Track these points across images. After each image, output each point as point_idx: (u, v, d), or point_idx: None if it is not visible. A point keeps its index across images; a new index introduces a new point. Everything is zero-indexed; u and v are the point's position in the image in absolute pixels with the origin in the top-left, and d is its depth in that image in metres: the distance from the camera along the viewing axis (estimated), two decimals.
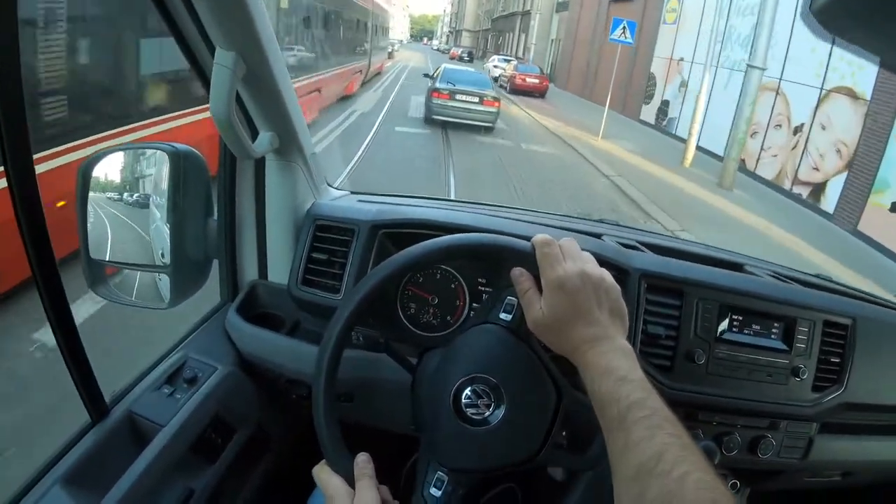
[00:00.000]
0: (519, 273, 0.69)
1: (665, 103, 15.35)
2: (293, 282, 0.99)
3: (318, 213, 1.01)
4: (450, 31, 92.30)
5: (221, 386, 0.93)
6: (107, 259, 0.94)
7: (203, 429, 0.88)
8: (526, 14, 38.15)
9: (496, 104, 11.30)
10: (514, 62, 25.63)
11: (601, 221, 1.39)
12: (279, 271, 1.04)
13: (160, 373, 0.92)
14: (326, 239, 0.99)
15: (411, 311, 0.97)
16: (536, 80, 21.94)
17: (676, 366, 0.94)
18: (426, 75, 14.11)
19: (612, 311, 0.66)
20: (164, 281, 0.96)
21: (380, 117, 11.60)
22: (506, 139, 11.40)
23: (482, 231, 0.76)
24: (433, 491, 0.69)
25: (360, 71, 15.80)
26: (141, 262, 0.98)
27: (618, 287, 0.68)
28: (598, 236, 1.12)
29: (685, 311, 0.95)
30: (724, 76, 12.06)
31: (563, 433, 0.72)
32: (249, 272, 1.07)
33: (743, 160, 10.29)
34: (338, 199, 1.16)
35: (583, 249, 0.71)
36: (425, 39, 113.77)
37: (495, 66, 28.22)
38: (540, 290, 0.67)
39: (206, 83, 0.81)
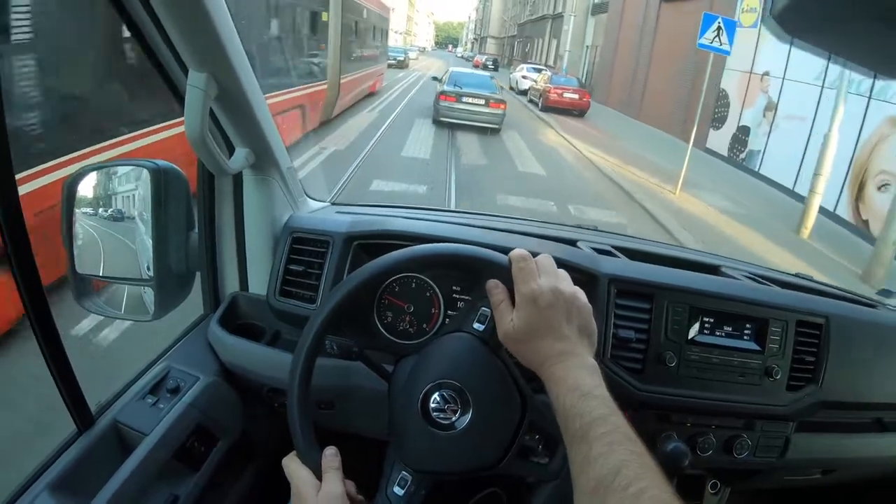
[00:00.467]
0: (494, 285, 0.72)
1: (743, 131, 11.50)
2: (271, 293, 1.01)
3: (295, 225, 1.04)
4: (475, 38, 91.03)
5: (203, 395, 0.95)
6: (92, 273, 0.97)
7: (186, 437, 0.90)
8: (557, 17, 33.72)
9: (502, 106, 11.51)
10: (547, 72, 20.47)
11: (578, 227, 1.41)
12: (259, 283, 1.06)
13: (144, 383, 0.94)
14: (303, 251, 1.02)
15: (388, 319, 0.99)
16: (576, 96, 17.50)
17: (648, 368, 0.96)
18: (434, 78, 14.85)
19: (581, 328, 0.68)
20: (149, 294, 0.98)
21: (355, 163, 7.76)
22: (547, 194, 7.52)
23: (458, 242, 0.78)
24: (396, 490, 0.71)
25: (314, 103, 9.17)
26: (125, 275, 1.00)
27: (589, 306, 0.70)
28: (574, 242, 1.14)
29: (655, 315, 0.97)
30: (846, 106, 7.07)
31: (532, 438, 0.74)
32: (230, 284, 1.09)
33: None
34: (316, 211, 1.18)
35: (555, 256, 0.74)
36: (450, 47, 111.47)
37: (524, 77, 23.56)
38: (513, 303, 0.69)
39: (182, 103, 0.83)
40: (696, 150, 10.30)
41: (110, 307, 1.01)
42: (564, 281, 0.69)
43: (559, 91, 17.37)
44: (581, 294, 0.70)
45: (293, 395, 0.71)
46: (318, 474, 0.68)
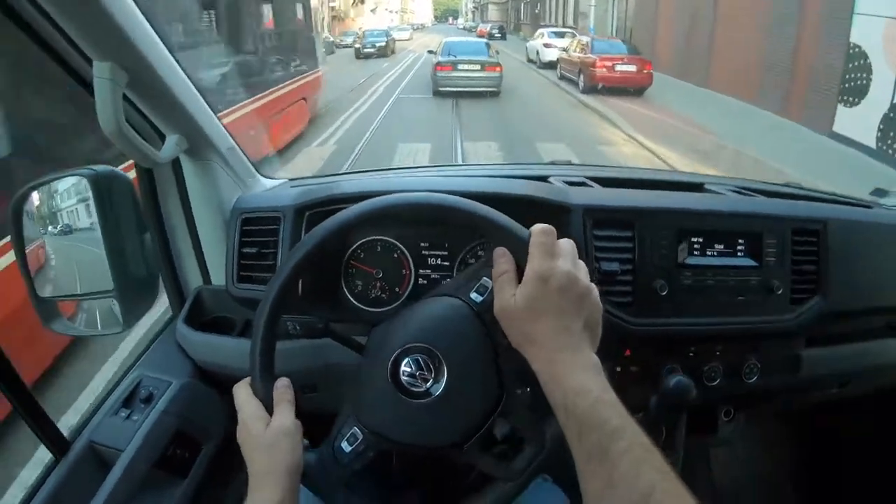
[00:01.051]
0: (501, 253, 0.66)
1: None
2: (229, 280, 0.97)
3: (243, 206, 0.99)
4: (475, 7, 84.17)
5: (178, 399, 0.92)
6: (54, 295, 0.94)
7: (165, 446, 0.88)
8: None
9: (497, 69, 11.66)
10: (583, 38, 14.67)
11: (552, 164, 1.34)
12: (221, 273, 1.02)
13: (116, 397, 0.92)
14: (254, 231, 0.97)
15: (358, 288, 0.94)
16: (632, 67, 12.32)
17: (639, 301, 0.91)
18: (430, 52, 14.34)
19: (587, 323, 0.62)
20: (116, 305, 0.94)
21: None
22: None
23: (412, 192, 0.72)
24: (344, 444, 0.68)
25: None
26: (87, 291, 0.97)
27: (601, 306, 0.64)
28: (545, 178, 1.07)
29: (639, 242, 0.92)
30: None
31: (500, 429, 0.68)
32: (193, 280, 1.06)
33: None
34: (270, 189, 1.13)
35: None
36: (450, 19, 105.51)
37: (546, 46, 17.72)
38: (518, 278, 0.63)
39: (93, 96, 0.78)
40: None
41: (79, 325, 0.97)
42: (582, 271, 0.63)
43: (608, 62, 12.27)
44: (595, 291, 0.63)
45: (262, 315, 0.67)
46: (270, 407, 0.66)
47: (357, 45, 23.65)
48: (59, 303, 0.95)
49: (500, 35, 34.43)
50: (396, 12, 71.42)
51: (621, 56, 12.61)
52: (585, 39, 14.25)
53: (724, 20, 12.09)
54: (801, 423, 1.48)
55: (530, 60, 19.37)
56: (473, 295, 0.69)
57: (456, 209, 0.68)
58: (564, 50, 15.32)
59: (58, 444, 0.81)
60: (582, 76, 13.09)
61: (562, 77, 14.91)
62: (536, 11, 35.18)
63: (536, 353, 0.60)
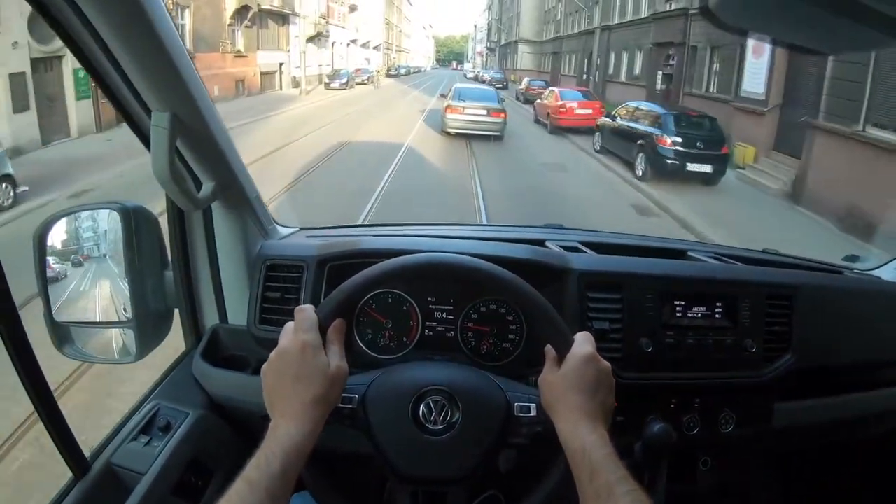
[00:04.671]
0: (548, 350, 0.78)
1: None
2: (251, 321, 1.02)
3: (267, 253, 1.05)
4: (490, 48, 65.14)
5: (195, 430, 0.96)
6: (70, 321, 0.96)
7: (181, 473, 0.91)
8: None
9: (502, 115, 12.31)
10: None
11: (546, 227, 1.43)
12: (238, 314, 1.07)
13: (135, 423, 0.95)
14: (278, 277, 1.03)
15: (368, 336, 1.01)
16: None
17: (626, 356, 0.99)
18: (441, 95, 15.15)
19: (604, 401, 0.73)
20: (130, 335, 0.98)
21: None
22: None
23: (431, 253, 0.82)
24: None
25: None
26: (104, 319, 1.00)
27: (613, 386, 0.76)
28: (542, 242, 1.17)
29: (626, 304, 1.01)
30: None
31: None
32: (210, 317, 1.10)
33: None
34: (286, 237, 1.19)
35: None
36: (455, 64, 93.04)
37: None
38: (558, 363, 0.75)
39: (147, 142, 0.84)
40: None
41: (92, 352, 1.02)
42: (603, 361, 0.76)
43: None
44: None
45: (364, 275, 0.76)
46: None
47: None
48: (73, 329, 0.98)
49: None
50: (378, 48, 48.92)
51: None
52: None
53: None
54: (777, 474, 1.53)
55: None
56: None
57: (517, 291, 0.78)
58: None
59: (78, 463, 0.84)
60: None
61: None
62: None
63: (564, 413, 0.71)
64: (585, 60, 25.13)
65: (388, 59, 53.93)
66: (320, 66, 29.22)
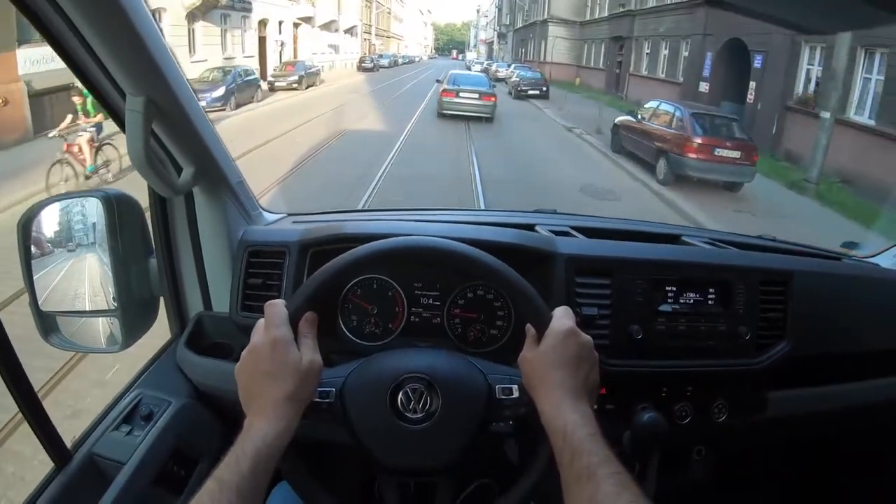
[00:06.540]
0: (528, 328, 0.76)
1: None
2: (234, 308, 1.01)
3: (250, 239, 1.04)
4: (498, 34, 53.94)
5: (177, 419, 0.95)
6: (56, 310, 0.96)
7: (164, 463, 0.90)
8: None
9: (492, 98, 13.41)
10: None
11: (538, 212, 1.41)
12: (223, 301, 1.06)
13: (117, 413, 0.94)
14: (260, 264, 1.02)
15: (353, 322, 1.00)
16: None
17: (615, 343, 0.97)
18: (437, 81, 16.63)
19: (588, 375, 0.72)
20: (115, 324, 0.97)
21: None
22: None
23: (416, 235, 0.79)
24: None
25: None
26: (90, 308, 0.99)
27: (597, 358, 0.74)
28: (532, 227, 1.14)
29: (616, 290, 0.98)
30: None
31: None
32: (195, 305, 1.09)
33: None
34: (272, 223, 1.18)
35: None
36: (455, 53, 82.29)
37: None
38: (537, 340, 0.73)
39: (122, 127, 0.83)
40: None
41: (78, 342, 1.01)
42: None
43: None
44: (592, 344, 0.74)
45: (333, 265, 0.74)
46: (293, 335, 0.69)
47: None
48: (59, 318, 0.97)
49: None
50: (354, 32, 35.30)
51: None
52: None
53: None
54: (773, 464, 1.53)
55: None
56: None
57: (493, 272, 0.75)
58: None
59: (59, 454, 0.84)
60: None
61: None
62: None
63: (546, 392, 0.69)
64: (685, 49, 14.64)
65: (368, 47, 40.37)
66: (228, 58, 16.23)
